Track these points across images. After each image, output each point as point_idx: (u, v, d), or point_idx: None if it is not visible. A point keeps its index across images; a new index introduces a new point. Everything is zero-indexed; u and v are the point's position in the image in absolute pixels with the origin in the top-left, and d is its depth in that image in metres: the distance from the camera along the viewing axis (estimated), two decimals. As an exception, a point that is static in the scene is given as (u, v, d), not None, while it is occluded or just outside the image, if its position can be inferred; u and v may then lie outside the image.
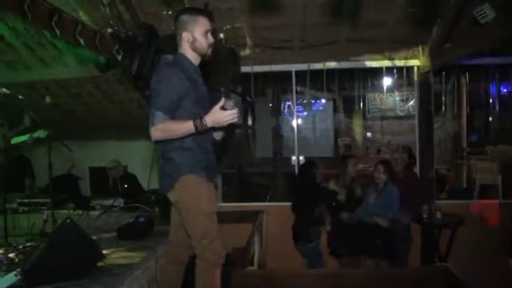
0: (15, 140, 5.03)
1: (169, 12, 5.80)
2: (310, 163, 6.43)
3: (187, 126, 2.92)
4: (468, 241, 5.73)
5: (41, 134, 5.01)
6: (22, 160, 8.15)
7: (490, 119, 12.46)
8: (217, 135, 3.34)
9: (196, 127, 2.89)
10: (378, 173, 5.83)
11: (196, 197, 3.11)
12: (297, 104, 9.35)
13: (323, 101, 12.27)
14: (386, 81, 10.56)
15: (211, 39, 3.17)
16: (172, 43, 3.32)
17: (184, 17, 3.15)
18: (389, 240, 5.61)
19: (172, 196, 3.18)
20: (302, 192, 6.08)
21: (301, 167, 6.62)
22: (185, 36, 3.13)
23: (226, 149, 5.70)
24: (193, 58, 3.19)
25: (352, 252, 5.89)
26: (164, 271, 3.70)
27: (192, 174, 3.10)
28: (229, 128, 3.20)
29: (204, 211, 3.09)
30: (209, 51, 3.17)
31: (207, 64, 3.30)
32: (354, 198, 5.99)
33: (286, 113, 11.81)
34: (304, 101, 11.05)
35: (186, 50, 3.17)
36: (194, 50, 3.15)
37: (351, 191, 6.04)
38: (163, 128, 2.91)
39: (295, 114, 8.39)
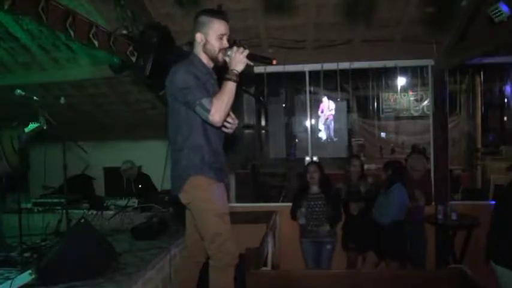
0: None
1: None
2: (305, 166, 6.48)
3: (229, 89, 2.96)
4: (484, 242, 5.68)
5: (32, 127, 4.97)
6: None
7: (505, 118, 12.38)
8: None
9: (232, 80, 2.96)
10: (383, 173, 5.82)
11: (206, 198, 3.10)
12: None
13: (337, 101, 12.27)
14: (401, 81, 10.54)
15: (225, 43, 3.15)
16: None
17: (202, 18, 3.14)
18: (398, 241, 5.57)
19: (183, 197, 3.18)
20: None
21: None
22: (198, 37, 3.13)
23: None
24: (206, 60, 3.19)
25: (360, 249, 5.90)
26: (180, 271, 3.70)
27: (200, 176, 3.09)
28: (254, 58, 3.17)
29: (215, 212, 3.08)
30: (220, 56, 3.15)
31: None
32: (360, 194, 5.97)
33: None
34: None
35: (199, 51, 3.18)
36: (205, 52, 3.16)
37: (358, 188, 6.02)
38: (217, 108, 2.90)
39: (309, 114, 8.35)
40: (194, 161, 3.09)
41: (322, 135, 12.59)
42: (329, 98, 12.02)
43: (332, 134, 12.81)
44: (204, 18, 3.14)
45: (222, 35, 3.14)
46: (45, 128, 4.81)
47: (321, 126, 12.37)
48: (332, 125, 12.72)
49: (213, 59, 3.18)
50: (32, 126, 4.90)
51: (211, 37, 3.12)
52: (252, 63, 3.10)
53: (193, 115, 3.02)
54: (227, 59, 3.08)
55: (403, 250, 5.61)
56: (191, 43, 3.30)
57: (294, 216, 5.96)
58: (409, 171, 6.08)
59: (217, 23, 3.13)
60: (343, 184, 6.18)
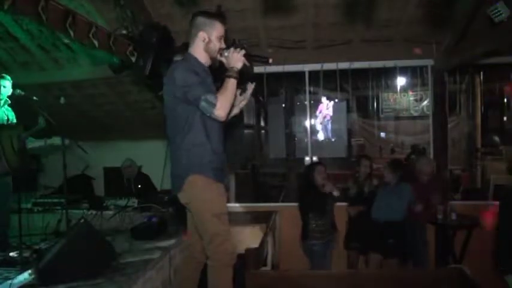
0: (31, 143, 5.06)
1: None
2: (309, 165, 6.43)
3: (231, 85, 3.02)
4: (483, 243, 5.67)
5: (55, 141, 5.04)
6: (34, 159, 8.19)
7: (505, 118, 12.38)
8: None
9: (233, 77, 3.02)
10: (386, 173, 5.80)
11: (205, 198, 3.11)
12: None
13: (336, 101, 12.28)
14: (400, 81, 10.53)
15: (223, 44, 3.21)
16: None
17: (203, 19, 3.19)
18: (401, 240, 5.59)
19: (182, 197, 3.19)
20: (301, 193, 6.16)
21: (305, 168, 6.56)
22: (201, 35, 3.16)
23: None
24: (203, 58, 3.21)
25: (363, 248, 5.90)
26: (181, 271, 3.71)
27: (199, 175, 3.09)
28: (251, 57, 3.26)
29: (214, 212, 3.09)
30: (218, 57, 3.19)
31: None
32: (363, 195, 5.95)
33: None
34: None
35: (198, 50, 3.20)
36: (206, 50, 3.18)
37: (362, 188, 6.01)
38: (222, 103, 2.94)
39: (308, 114, 8.35)
40: (194, 160, 3.10)
41: (320, 135, 12.58)
42: (328, 98, 12.03)
43: (330, 134, 12.80)
44: (205, 19, 3.19)
45: (222, 36, 3.21)
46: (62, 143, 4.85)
47: (318, 127, 12.38)
48: (329, 126, 12.71)
49: (212, 58, 3.22)
50: (53, 140, 4.95)
51: (214, 37, 3.17)
52: (248, 64, 3.14)
53: (193, 114, 3.04)
54: (224, 59, 3.14)
55: (405, 247, 5.62)
56: (186, 45, 3.32)
57: (307, 211, 5.87)
58: (416, 174, 6.03)
59: (218, 25, 3.20)
60: (353, 184, 6.14)
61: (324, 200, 5.73)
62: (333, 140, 12.87)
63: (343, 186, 6.28)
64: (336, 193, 5.70)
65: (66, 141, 4.82)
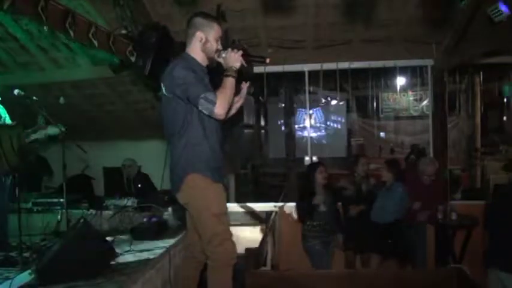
0: (29, 137, 5.04)
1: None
2: (310, 164, 6.43)
3: (230, 84, 3.02)
4: (483, 242, 5.68)
5: (51, 131, 5.00)
6: (39, 160, 8.18)
7: (504, 118, 12.37)
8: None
9: (231, 76, 3.03)
10: (384, 172, 5.81)
11: (204, 198, 3.10)
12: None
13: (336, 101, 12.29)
14: (400, 81, 10.52)
15: (220, 46, 3.22)
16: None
17: (201, 19, 3.22)
18: (400, 241, 5.59)
19: (180, 197, 3.19)
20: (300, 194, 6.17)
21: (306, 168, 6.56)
22: (199, 35, 3.17)
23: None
24: (201, 58, 3.22)
25: (361, 249, 5.90)
26: (181, 271, 3.71)
27: (198, 176, 3.09)
28: (249, 58, 3.31)
29: (213, 212, 3.08)
30: (216, 57, 3.20)
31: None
32: (361, 195, 5.95)
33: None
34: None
35: (195, 50, 3.21)
36: (204, 51, 3.20)
37: (359, 188, 6.01)
38: (221, 101, 2.93)
39: (308, 114, 8.36)
40: (192, 160, 3.10)
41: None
42: (328, 97, 12.04)
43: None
44: (204, 20, 3.22)
45: (219, 38, 3.24)
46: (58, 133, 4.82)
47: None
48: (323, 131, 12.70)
49: (209, 58, 3.23)
50: (51, 131, 4.93)
51: (212, 38, 3.18)
52: (246, 65, 3.16)
53: (191, 113, 3.05)
54: (221, 60, 3.16)
55: (404, 248, 5.62)
56: (184, 44, 3.33)
57: (305, 216, 5.86)
58: (419, 175, 6.00)
59: (216, 27, 3.23)
60: (350, 184, 6.12)
61: (317, 206, 5.76)
62: (331, 134, 12.88)
63: (341, 185, 6.28)
64: (321, 208, 5.72)
65: (63, 129, 4.80)
